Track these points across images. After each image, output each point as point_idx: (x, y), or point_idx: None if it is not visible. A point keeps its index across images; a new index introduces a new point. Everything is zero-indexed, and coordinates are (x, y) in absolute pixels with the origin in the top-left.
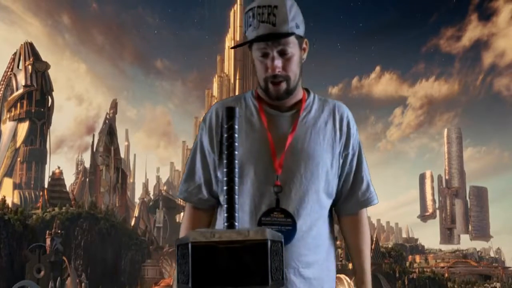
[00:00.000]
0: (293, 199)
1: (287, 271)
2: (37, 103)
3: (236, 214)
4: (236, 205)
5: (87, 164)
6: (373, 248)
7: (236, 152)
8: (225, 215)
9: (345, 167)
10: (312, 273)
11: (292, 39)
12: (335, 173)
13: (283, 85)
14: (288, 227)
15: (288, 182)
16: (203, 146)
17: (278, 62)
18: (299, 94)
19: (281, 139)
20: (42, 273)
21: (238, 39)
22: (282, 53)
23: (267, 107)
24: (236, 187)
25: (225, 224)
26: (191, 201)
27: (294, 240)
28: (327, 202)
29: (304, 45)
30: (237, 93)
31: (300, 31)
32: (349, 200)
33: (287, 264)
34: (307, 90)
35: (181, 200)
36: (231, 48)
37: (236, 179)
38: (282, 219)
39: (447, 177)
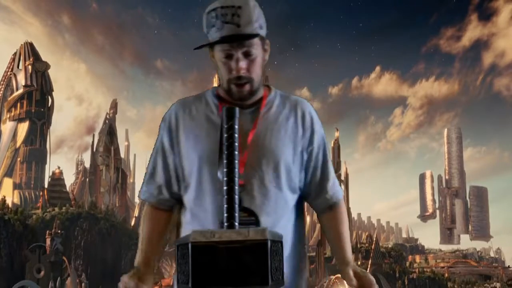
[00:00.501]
0: (256, 197)
1: None
2: (37, 103)
3: (236, 214)
4: (236, 205)
5: (87, 164)
6: (373, 248)
7: (236, 152)
8: (225, 215)
9: (311, 162)
10: None
11: (256, 40)
12: (298, 169)
13: (247, 87)
14: (251, 225)
15: (251, 179)
16: (164, 147)
17: (243, 64)
18: (260, 92)
19: (242, 137)
20: (42, 273)
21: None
22: (246, 55)
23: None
24: (236, 187)
25: (225, 224)
26: (152, 202)
27: None
28: (291, 198)
29: (266, 46)
30: None
31: (263, 32)
32: (319, 196)
33: None
34: (269, 88)
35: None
36: (194, 49)
37: (236, 179)
38: (245, 217)
39: (447, 177)
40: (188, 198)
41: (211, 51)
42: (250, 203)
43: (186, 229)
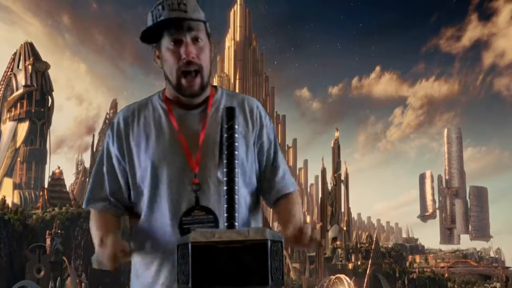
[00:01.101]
0: (212, 195)
1: None
2: (37, 103)
3: (236, 214)
4: (236, 205)
5: (87, 164)
6: (373, 248)
7: (236, 152)
8: (225, 215)
9: (262, 156)
10: None
11: (203, 27)
12: (252, 164)
13: (197, 80)
14: (210, 223)
15: (206, 179)
16: (111, 154)
17: (192, 49)
18: (208, 91)
19: (193, 138)
20: (42, 273)
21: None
22: (195, 41)
23: (176, 108)
24: (236, 187)
25: (225, 224)
26: (97, 208)
27: None
28: (247, 193)
29: (212, 43)
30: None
31: (208, 28)
32: (269, 190)
33: None
34: (215, 87)
35: None
36: (141, 38)
37: (236, 179)
38: (203, 216)
39: (447, 177)
40: (143, 203)
41: (157, 50)
42: (207, 201)
43: (143, 234)
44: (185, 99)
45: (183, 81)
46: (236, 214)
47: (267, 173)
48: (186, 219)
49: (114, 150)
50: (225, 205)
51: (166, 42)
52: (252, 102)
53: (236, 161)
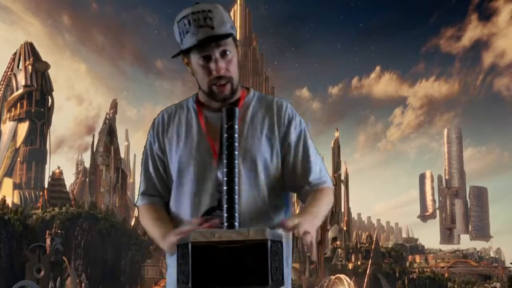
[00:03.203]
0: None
1: None
2: (37, 103)
3: (236, 214)
4: (236, 205)
5: (87, 164)
6: (373, 248)
7: (236, 152)
8: (225, 215)
9: (289, 157)
10: None
11: (230, 40)
12: (277, 166)
13: (228, 86)
14: None
15: (222, 180)
16: (153, 152)
17: (222, 64)
18: (239, 93)
19: (220, 138)
20: (42, 273)
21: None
22: (223, 54)
23: (206, 109)
24: (236, 187)
25: (225, 224)
26: (151, 203)
27: None
28: (272, 195)
29: (238, 48)
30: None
31: (234, 33)
32: (302, 188)
33: None
34: (247, 89)
35: None
36: (172, 57)
37: (236, 179)
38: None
39: (447, 177)
40: (170, 199)
41: (186, 58)
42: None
43: None
44: (217, 103)
45: (214, 88)
46: (236, 214)
47: (297, 171)
48: (207, 218)
49: (155, 148)
50: (225, 205)
51: (195, 57)
52: (281, 103)
53: (236, 161)
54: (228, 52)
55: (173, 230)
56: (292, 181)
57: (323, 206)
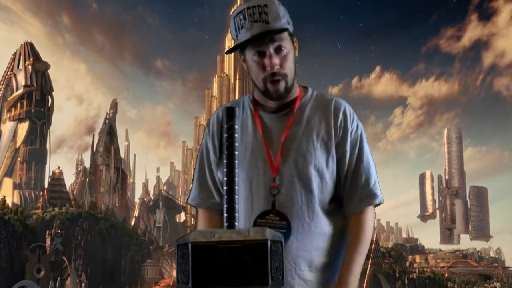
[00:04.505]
0: (289, 201)
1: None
2: (37, 103)
3: (236, 214)
4: (236, 205)
5: (87, 164)
6: (373, 248)
7: (236, 152)
8: (225, 215)
9: (344, 165)
10: (312, 276)
11: (286, 35)
12: (332, 172)
13: (282, 84)
14: (283, 229)
15: (284, 183)
16: (209, 152)
17: (276, 60)
18: (296, 92)
19: (275, 141)
20: (42, 273)
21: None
22: (278, 50)
23: (262, 109)
24: (236, 187)
25: (225, 224)
26: (203, 207)
27: (289, 242)
28: (326, 202)
29: (295, 44)
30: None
31: (291, 28)
32: (350, 199)
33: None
34: (305, 88)
35: (181, 200)
36: (226, 53)
37: (236, 179)
38: (277, 221)
39: (447, 177)
40: (224, 202)
41: (242, 54)
42: (283, 206)
43: None
44: (272, 102)
45: (269, 85)
46: (236, 214)
47: (347, 184)
48: (260, 221)
49: (210, 149)
50: (225, 205)
51: (250, 53)
52: (339, 106)
53: (236, 161)
54: (283, 48)
55: None
56: (341, 192)
57: (360, 256)
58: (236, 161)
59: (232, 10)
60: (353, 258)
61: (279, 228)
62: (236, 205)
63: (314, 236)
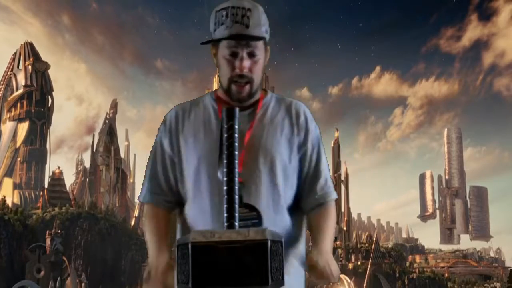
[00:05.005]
0: (255, 194)
1: None
2: (37, 103)
3: (236, 214)
4: (236, 205)
5: (87, 164)
6: (373, 248)
7: (236, 152)
8: (225, 215)
9: (305, 162)
10: None
11: (261, 43)
12: (294, 168)
13: (247, 88)
14: (254, 220)
15: (249, 178)
16: (164, 148)
17: (247, 63)
18: (258, 95)
19: (240, 138)
20: (42, 273)
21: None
22: (251, 55)
23: (226, 107)
24: (237, 187)
25: (225, 224)
26: (155, 204)
27: None
28: (288, 196)
29: (267, 52)
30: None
31: (267, 37)
32: (308, 196)
33: None
34: (265, 91)
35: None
36: (201, 43)
37: (236, 179)
38: (247, 213)
39: (447, 177)
40: (187, 199)
41: (215, 48)
42: (250, 200)
43: (186, 231)
44: (233, 102)
45: (233, 86)
46: (236, 214)
47: (307, 180)
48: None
49: (166, 145)
50: (225, 205)
51: (223, 50)
52: (299, 107)
53: (236, 161)
54: (256, 54)
55: (157, 271)
56: (301, 189)
57: (332, 233)
58: (236, 161)
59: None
60: (327, 235)
61: (250, 220)
62: (236, 205)
63: (279, 230)
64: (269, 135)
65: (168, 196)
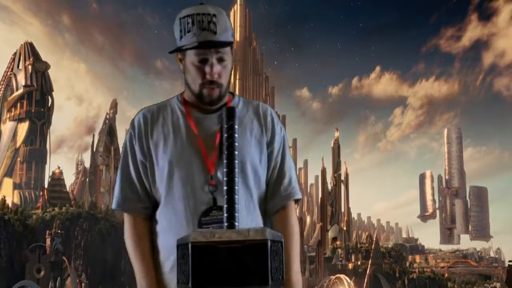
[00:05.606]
0: None
1: None
2: (37, 103)
3: (236, 214)
4: (236, 205)
5: (87, 164)
6: (373, 248)
7: (236, 152)
8: (225, 215)
9: (271, 163)
10: None
11: (228, 48)
12: (264, 168)
13: (217, 91)
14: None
15: (222, 180)
16: (135, 153)
17: (217, 69)
18: (225, 98)
19: (210, 139)
20: (42, 273)
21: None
22: (220, 60)
23: (194, 110)
24: (237, 187)
25: (225, 224)
26: (130, 211)
27: None
28: (260, 197)
29: (233, 55)
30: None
31: (233, 41)
32: (273, 195)
33: None
34: (232, 94)
35: None
36: (169, 53)
37: (236, 179)
38: (221, 216)
39: (447, 177)
40: (160, 203)
41: (181, 54)
42: (221, 203)
43: (160, 236)
44: (203, 106)
45: (204, 91)
46: (236, 214)
47: (271, 182)
48: (205, 219)
49: (137, 149)
50: (225, 205)
51: (191, 57)
52: (266, 108)
53: (236, 161)
54: (225, 59)
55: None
56: (267, 188)
57: (296, 246)
58: (236, 161)
59: (232, 10)
60: (291, 254)
61: (223, 222)
62: (236, 205)
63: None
64: (238, 136)
65: (145, 203)
